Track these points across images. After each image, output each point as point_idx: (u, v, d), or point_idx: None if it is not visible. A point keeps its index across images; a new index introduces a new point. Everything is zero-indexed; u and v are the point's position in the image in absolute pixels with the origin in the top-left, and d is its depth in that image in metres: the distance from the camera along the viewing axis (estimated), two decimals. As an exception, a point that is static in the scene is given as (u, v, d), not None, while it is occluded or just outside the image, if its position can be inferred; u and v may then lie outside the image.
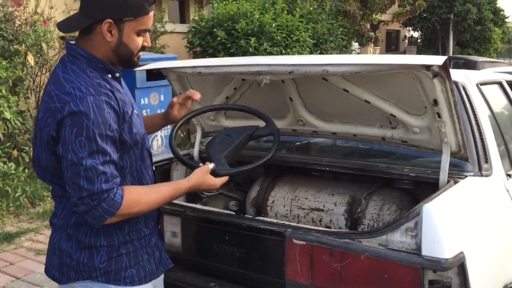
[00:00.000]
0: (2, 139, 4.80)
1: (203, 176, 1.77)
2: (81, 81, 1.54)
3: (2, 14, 5.59)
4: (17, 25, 5.66)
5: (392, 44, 27.67)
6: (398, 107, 2.22)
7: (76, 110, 1.48)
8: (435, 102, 2.02)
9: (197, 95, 2.03)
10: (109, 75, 1.65)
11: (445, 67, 1.82)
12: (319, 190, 2.68)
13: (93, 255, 1.65)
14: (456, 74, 2.55)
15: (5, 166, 4.76)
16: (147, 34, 1.69)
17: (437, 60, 1.85)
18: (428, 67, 1.85)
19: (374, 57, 2.12)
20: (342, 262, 1.86)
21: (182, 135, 6.74)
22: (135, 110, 1.71)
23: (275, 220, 2.20)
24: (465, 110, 2.40)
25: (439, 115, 2.06)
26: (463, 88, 2.51)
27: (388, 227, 1.84)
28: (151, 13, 1.66)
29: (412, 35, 26.95)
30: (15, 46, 5.24)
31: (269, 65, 2.18)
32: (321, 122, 2.57)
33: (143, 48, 1.69)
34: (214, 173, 1.80)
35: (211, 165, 1.80)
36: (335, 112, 2.50)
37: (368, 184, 2.66)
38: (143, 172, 1.75)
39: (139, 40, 1.66)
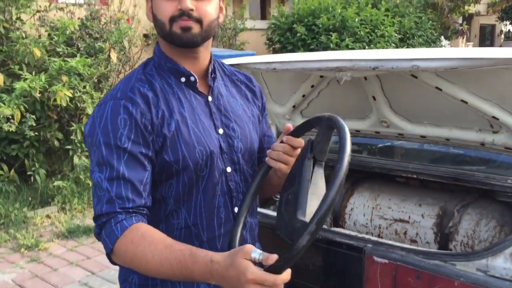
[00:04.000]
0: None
1: (237, 260, 1.04)
2: (121, 84, 1.30)
3: (89, 12, 5.79)
4: (102, 23, 5.83)
5: (487, 39, 25.88)
6: (502, 108, 1.92)
7: (94, 115, 1.27)
8: (549, 103, 1.70)
9: (288, 129, 1.34)
10: (183, 79, 1.31)
11: None
12: (404, 199, 2.42)
13: None
14: None
15: (87, 160, 4.90)
16: None
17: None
18: (543, 62, 1.56)
19: (474, 51, 1.84)
20: (431, 287, 1.62)
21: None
22: (192, 125, 1.29)
23: (353, 233, 1.98)
24: None
25: (553, 119, 1.74)
26: None
27: (489, 250, 1.57)
28: None
29: (509, 29, 25.05)
30: (99, 44, 5.40)
31: (350, 60, 1.97)
32: (408, 123, 2.31)
33: (182, 14, 1.26)
34: (272, 266, 1.03)
35: (256, 253, 1.03)
36: (425, 113, 2.23)
37: (462, 195, 2.36)
38: (202, 214, 1.31)
39: (166, 5, 1.27)
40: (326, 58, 2.11)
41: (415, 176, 2.42)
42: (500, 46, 24.24)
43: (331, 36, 6.81)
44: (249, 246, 1.05)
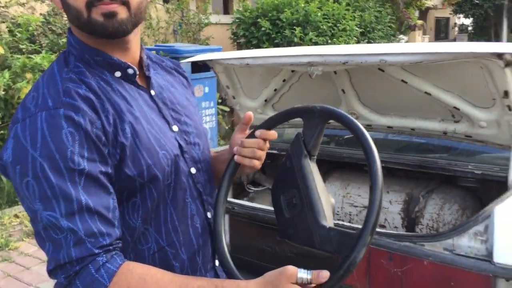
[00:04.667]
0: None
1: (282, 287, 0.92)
2: (43, 89, 1.00)
3: (51, 8, 5.69)
4: (65, 18, 5.73)
5: (442, 32, 26.67)
6: (463, 99, 2.05)
7: (19, 135, 0.95)
8: (506, 94, 1.84)
9: (250, 118, 1.20)
10: (118, 73, 1.07)
11: (519, 55, 1.65)
12: (373, 187, 2.54)
13: None
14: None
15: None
16: None
17: (510, 47, 1.68)
18: (500, 56, 1.69)
19: (437, 45, 1.96)
20: (402, 267, 1.73)
21: (227, 128, 6.68)
22: (151, 127, 1.07)
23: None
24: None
25: (509, 108, 1.89)
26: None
27: (454, 230, 1.69)
28: None
29: (462, 22, 25.89)
30: (63, 40, 5.32)
31: (322, 55, 2.06)
32: (376, 115, 2.43)
33: None
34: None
35: (303, 273, 0.93)
36: (392, 104, 2.35)
37: (426, 181, 2.50)
38: (176, 229, 1.10)
39: None
40: (298, 53, 2.19)
41: (382, 165, 2.55)
42: (454, 38, 25.03)
43: (295, 30, 6.91)
44: (292, 268, 0.92)
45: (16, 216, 4.27)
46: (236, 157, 1.16)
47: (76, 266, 0.91)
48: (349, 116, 1.05)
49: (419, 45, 1.99)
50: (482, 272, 1.57)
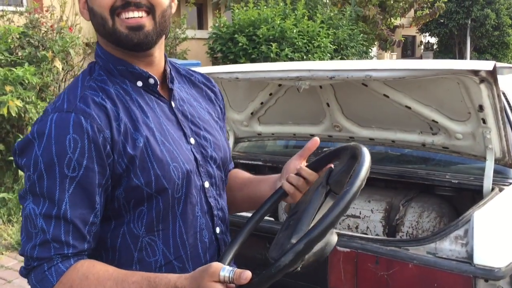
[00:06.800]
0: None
1: (204, 285, 0.90)
2: (66, 94, 1.04)
3: (29, 20, 5.66)
4: (42, 31, 5.72)
5: (408, 49, 27.49)
6: (440, 113, 2.19)
7: (33, 131, 1.00)
8: (481, 108, 1.99)
9: (316, 144, 1.22)
10: (139, 83, 1.09)
11: (493, 72, 1.79)
12: (355, 197, 2.64)
13: None
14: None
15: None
16: None
17: (486, 65, 1.82)
18: (476, 72, 1.83)
19: (419, 62, 2.10)
20: (389, 270, 1.83)
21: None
22: (165, 139, 1.08)
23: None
24: (506, 116, 2.36)
25: (484, 121, 2.03)
26: (503, 94, 2.47)
27: (436, 235, 1.81)
28: None
29: (428, 40, 26.75)
30: (42, 52, 5.30)
31: (309, 70, 2.17)
32: (358, 128, 2.55)
33: (126, 4, 1.01)
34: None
35: (226, 271, 0.90)
36: (374, 118, 2.47)
37: (405, 190, 2.63)
38: (185, 243, 1.10)
39: None
40: (287, 68, 2.30)
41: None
42: (421, 56, 25.80)
43: (271, 46, 7.07)
44: (216, 265, 0.90)
45: (-6, 229, 4.21)
46: (287, 186, 1.16)
47: (34, 262, 0.97)
48: (366, 151, 1.04)
49: (402, 61, 2.13)
50: (463, 273, 1.68)
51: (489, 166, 2.10)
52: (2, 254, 3.79)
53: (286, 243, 0.99)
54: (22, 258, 1.11)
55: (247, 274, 0.87)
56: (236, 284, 0.88)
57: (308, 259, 1.02)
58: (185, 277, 0.92)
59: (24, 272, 1.00)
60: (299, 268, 1.00)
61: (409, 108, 2.24)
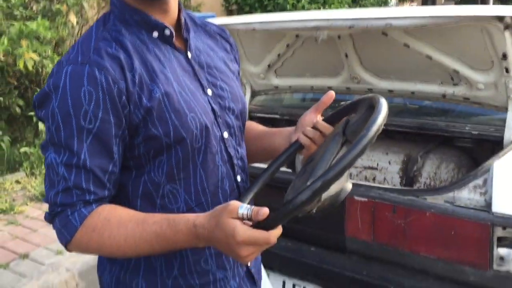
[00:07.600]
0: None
1: (223, 221, 0.92)
2: (80, 45, 1.04)
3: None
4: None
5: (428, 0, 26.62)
6: (462, 62, 2.14)
7: (49, 83, 1.02)
8: (504, 56, 1.94)
9: (331, 98, 1.23)
10: (155, 33, 1.08)
11: (519, 18, 1.74)
12: (372, 149, 2.64)
13: None
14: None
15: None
16: None
17: (510, 10, 1.77)
18: (501, 19, 1.77)
19: (441, 9, 2.04)
20: (406, 219, 1.85)
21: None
22: (182, 90, 1.08)
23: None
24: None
25: (507, 70, 1.98)
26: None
27: (454, 184, 1.81)
28: None
29: (450, -10, 25.82)
30: (56, 6, 5.26)
31: (328, 19, 2.13)
32: (377, 79, 2.51)
33: None
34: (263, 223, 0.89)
35: (244, 209, 0.91)
36: (393, 68, 2.43)
37: (423, 143, 2.62)
38: (205, 190, 1.12)
39: None
40: (304, 18, 2.25)
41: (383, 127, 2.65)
42: (442, 5, 24.97)
43: (287, -2, 6.93)
44: (234, 203, 0.92)
45: (18, 182, 4.33)
46: (303, 138, 1.19)
47: (58, 208, 1.00)
48: (383, 100, 1.04)
49: (423, 8, 2.06)
50: (481, 221, 1.69)
51: (511, 117, 2.07)
52: (27, 205, 3.91)
53: (303, 187, 0.99)
54: (46, 209, 1.15)
55: (265, 211, 0.88)
56: (254, 221, 0.89)
57: (324, 202, 1.04)
58: (204, 216, 0.95)
59: (49, 217, 1.04)
60: (314, 210, 1.02)
61: (430, 57, 2.19)
